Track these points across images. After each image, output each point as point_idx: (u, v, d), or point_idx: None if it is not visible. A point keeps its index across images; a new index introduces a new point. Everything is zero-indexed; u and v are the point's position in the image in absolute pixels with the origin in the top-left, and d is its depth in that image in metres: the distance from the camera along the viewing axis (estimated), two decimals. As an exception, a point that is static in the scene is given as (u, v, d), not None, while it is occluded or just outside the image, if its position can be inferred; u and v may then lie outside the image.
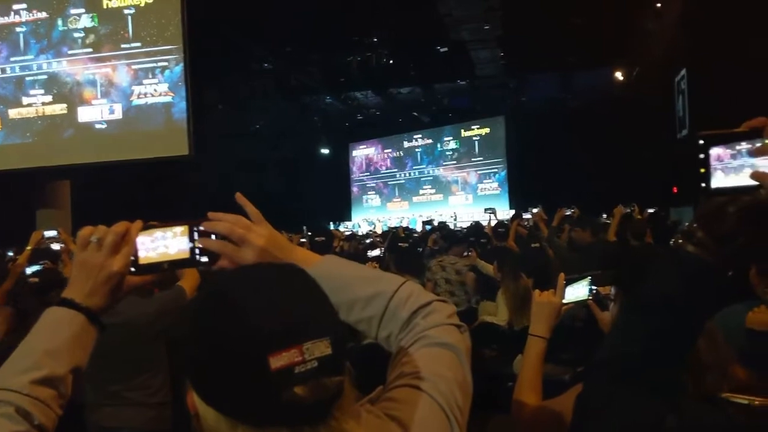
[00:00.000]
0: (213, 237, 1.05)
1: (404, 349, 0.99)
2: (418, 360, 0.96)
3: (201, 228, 1.05)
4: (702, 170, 0.87)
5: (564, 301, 1.88)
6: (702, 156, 0.87)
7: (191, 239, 1.05)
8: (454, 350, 0.98)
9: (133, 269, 1.03)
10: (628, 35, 11.97)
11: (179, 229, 1.05)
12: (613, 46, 12.26)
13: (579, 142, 15.30)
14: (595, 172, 14.54)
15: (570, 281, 1.90)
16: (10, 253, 6.48)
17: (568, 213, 6.99)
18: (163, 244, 1.05)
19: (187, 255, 1.05)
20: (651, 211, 8.28)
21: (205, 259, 1.05)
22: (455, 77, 16.42)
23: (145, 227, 1.05)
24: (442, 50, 14.21)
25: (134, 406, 2.84)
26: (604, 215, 7.56)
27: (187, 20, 10.03)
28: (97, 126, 10.48)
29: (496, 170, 19.43)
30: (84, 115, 10.52)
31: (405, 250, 4.51)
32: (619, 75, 14.66)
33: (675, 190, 12.05)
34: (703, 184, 0.87)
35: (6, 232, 8.24)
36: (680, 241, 0.84)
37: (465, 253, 5.66)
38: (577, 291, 1.89)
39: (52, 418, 0.90)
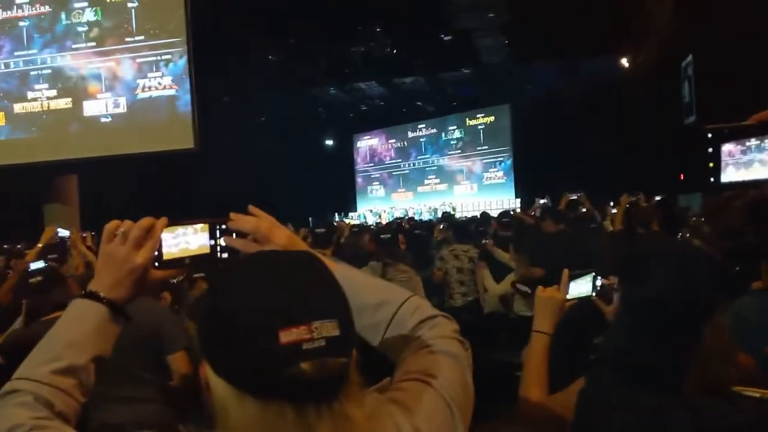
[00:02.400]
0: (234, 236, 1.10)
1: (411, 353, 1.03)
2: (424, 362, 1.00)
3: (224, 226, 1.10)
4: (711, 164, 0.87)
5: (567, 296, 1.86)
6: (711, 150, 0.87)
7: (212, 236, 1.11)
8: (458, 361, 1.02)
9: (156, 264, 1.07)
10: (634, 20, 11.88)
11: (199, 227, 1.11)
12: (619, 32, 12.18)
13: (585, 130, 15.16)
14: (601, 159, 14.43)
15: (574, 276, 1.88)
16: (19, 246, 6.50)
17: (573, 197, 6.98)
18: (184, 240, 1.10)
19: (207, 251, 1.11)
20: (658, 198, 8.23)
21: (225, 255, 1.11)
22: (459, 66, 16.32)
23: (169, 224, 1.09)
24: (446, 39, 14.13)
25: (141, 402, 2.86)
26: (611, 203, 7.52)
27: (190, 13, 10.02)
28: (103, 120, 10.50)
29: (501, 159, 19.33)
30: (89, 109, 10.54)
31: (387, 240, 4.66)
32: (624, 61, 14.54)
33: (682, 177, 11.99)
34: (712, 179, 0.87)
35: (14, 226, 8.30)
36: (687, 235, 0.84)
37: (483, 241, 5.66)
38: (581, 287, 1.87)
39: (74, 406, 0.95)
